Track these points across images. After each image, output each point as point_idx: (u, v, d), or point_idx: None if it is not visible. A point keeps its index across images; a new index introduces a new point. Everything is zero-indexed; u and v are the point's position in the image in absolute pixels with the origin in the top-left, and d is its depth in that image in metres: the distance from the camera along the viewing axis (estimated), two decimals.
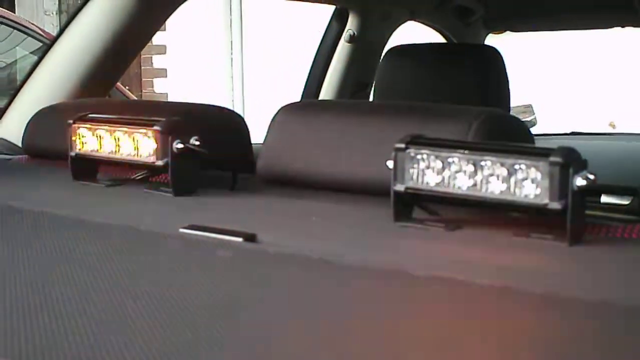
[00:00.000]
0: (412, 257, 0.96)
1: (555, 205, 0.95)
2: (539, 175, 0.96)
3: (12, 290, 0.84)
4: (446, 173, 1.03)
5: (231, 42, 7.28)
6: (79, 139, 1.38)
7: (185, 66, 7.21)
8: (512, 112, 2.49)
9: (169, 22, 6.59)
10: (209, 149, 1.28)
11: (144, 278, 0.88)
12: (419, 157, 1.05)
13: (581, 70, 6.38)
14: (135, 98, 5.78)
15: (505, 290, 0.81)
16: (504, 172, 0.99)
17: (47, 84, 1.94)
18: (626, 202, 2.52)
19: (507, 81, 2.44)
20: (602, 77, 6.31)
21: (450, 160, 1.03)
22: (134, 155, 1.32)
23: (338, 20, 3.00)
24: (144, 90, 7.27)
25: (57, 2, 7.39)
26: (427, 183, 1.05)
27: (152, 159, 1.30)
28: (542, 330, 0.72)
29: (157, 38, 6.77)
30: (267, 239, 1.00)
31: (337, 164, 1.28)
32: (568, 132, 3.73)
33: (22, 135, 1.76)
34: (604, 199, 2.53)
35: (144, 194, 1.33)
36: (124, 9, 1.91)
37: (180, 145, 1.27)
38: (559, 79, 6.40)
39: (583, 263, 0.93)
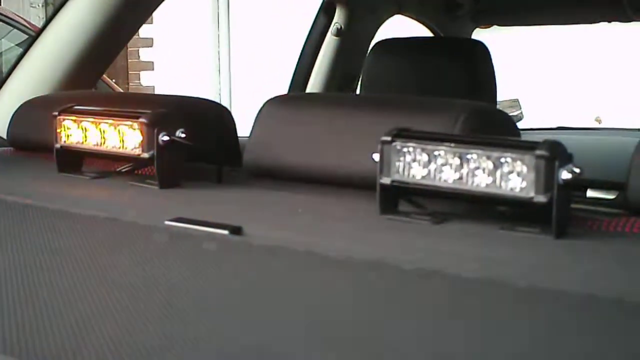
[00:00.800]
0: (398, 250, 0.96)
1: (541, 199, 0.95)
2: (524, 169, 0.97)
3: None
4: (432, 166, 1.03)
5: (218, 35, 7.26)
6: (64, 131, 1.38)
7: (172, 59, 7.18)
8: (498, 107, 2.49)
9: (156, 15, 6.57)
10: (195, 142, 1.28)
11: (130, 271, 0.88)
12: (405, 150, 1.05)
13: (567, 66, 6.40)
14: (122, 91, 5.76)
15: (491, 283, 0.81)
16: (489, 165, 0.99)
17: (33, 77, 1.93)
18: (612, 197, 2.53)
19: (494, 75, 2.44)
20: (588, 72, 6.34)
21: (436, 153, 1.03)
22: (120, 147, 1.32)
23: (325, 14, 2.99)
24: (130, 83, 7.25)
25: None
26: (413, 176, 1.05)
27: (137, 152, 1.29)
28: (527, 323, 0.72)
29: (144, 31, 6.75)
30: (253, 232, 1.00)
31: (324, 157, 1.28)
32: (554, 126, 3.74)
33: (7, 127, 1.75)
34: (590, 193, 2.54)
35: (129, 186, 1.32)
36: (110, 1, 1.90)
37: (166, 138, 1.27)
38: (546, 74, 6.42)
39: (568, 256, 0.94)
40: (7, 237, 1.03)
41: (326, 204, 1.22)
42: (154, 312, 0.75)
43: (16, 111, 1.74)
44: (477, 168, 1.00)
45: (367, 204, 1.10)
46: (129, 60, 7.22)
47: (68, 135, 1.37)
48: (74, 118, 1.37)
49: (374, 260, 0.89)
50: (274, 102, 1.41)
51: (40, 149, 1.60)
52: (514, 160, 0.97)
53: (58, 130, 1.38)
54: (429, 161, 1.04)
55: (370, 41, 2.97)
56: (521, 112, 3.73)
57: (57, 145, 1.39)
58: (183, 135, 1.27)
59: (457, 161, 1.01)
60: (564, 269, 0.89)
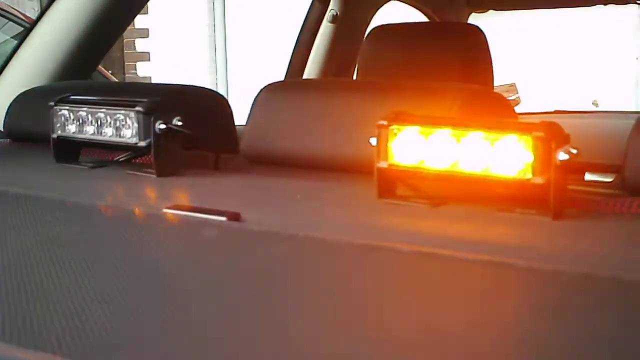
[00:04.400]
0: (397, 233, 0.97)
1: (539, 180, 0.96)
2: (521, 150, 0.97)
3: None
4: (429, 149, 1.04)
5: (214, 25, 7.25)
6: (61, 121, 1.38)
7: (168, 49, 7.17)
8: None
9: (151, 6, 6.56)
10: (191, 129, 1.27)
11: (129, 258, 0.88)
12: (402, 133, 1.05)
13: (564, 50, 6.39)
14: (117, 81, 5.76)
15: (490, 265, 0.81)
16: (487, 147, 0.99)
17: (28, 68, 1.92)
18: (609, 180, 2.53)
19: (491, 60, 2.43)
20: (585, 56, 6.33)
21: (433, 136, 1.03)
22: (117, 136, 1.31)
23: (321, 1, 2.99)
24: (126, 74, 7.24)
25: None
26: (411, 159, 1.05)
27: (134, 140, 1.29)
28: (526, 303, 0.72)
29: (140, 21, 6.73)
30: (251, 218, 1.00)
31: (321, 142, 1.28)
32: (551, 110, 3.73)
33: (3, 119, 1.75)
34: (588, 176, 2.54)
35: (127, 175, 1.32)
36: None
37: (163, 126, 1.26)
38: (543, 58, 6.42)
39: (566, 236, 0.94)
40: (6, 227, 1.03)
41: (324, 189, 1.22)
42: (153, 299, 0.75)
43: (12, 103, 1.74)
44: (474, 150, 1.00)
45: (365, 189, 1.10)
46: (125, 51, 7.21)
47: (65, 125, 1.37)
48: (70, 108, 1.37)
49: (373, 243, 0.89)
50: (271, 89, 1.40)
51: (37, 139, 1.59)
52: (511, 141, 0.97)
53: (54, 121, 1.38)
54: (426, 144, 1.04)
55: (366, 27, 2.96)
56: (518, 97, 3.73)
57: (54, 136, 1.38)
58: (180, 123, 1.27)
59: (454, 144, 1.01)
60: (562, 249, 0.89)
